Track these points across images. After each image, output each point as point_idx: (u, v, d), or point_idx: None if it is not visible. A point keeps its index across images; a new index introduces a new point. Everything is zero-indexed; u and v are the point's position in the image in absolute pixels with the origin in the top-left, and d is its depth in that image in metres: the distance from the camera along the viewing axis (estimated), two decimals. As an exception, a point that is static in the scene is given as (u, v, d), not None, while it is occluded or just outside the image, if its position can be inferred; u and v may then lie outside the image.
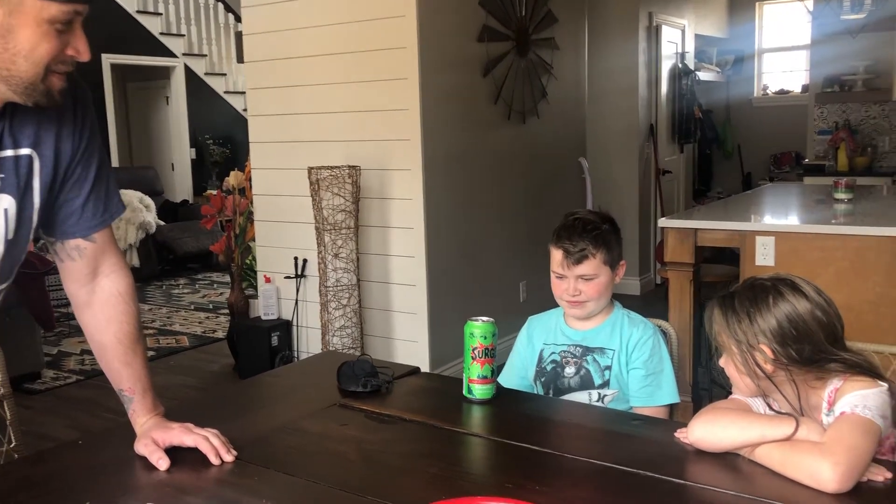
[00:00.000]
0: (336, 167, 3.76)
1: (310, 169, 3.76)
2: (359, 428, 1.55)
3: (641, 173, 6.11)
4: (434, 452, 1.44)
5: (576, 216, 1.94)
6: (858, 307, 2.87)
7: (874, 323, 2.86)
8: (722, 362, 1.46)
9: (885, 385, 1.35)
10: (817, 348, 1.37)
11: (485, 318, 1.68)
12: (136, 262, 7.21)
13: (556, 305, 2.01)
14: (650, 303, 5.44)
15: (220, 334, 5.23)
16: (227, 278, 5.37)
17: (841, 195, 3.86)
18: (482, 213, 4.28)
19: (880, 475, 1.25)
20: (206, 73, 9.02)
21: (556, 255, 1.91)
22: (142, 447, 1.39)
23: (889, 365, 1.74)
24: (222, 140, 9.12)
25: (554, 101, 4.85)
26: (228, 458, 1.38)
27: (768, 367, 1.39)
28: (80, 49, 1.17)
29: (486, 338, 1.66)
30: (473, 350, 1.66)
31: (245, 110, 4.53)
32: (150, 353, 4.88)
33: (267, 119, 4.33)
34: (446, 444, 1.47)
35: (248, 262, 4.85)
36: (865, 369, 1.37)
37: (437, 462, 1.38)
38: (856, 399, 1.30)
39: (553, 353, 1.95)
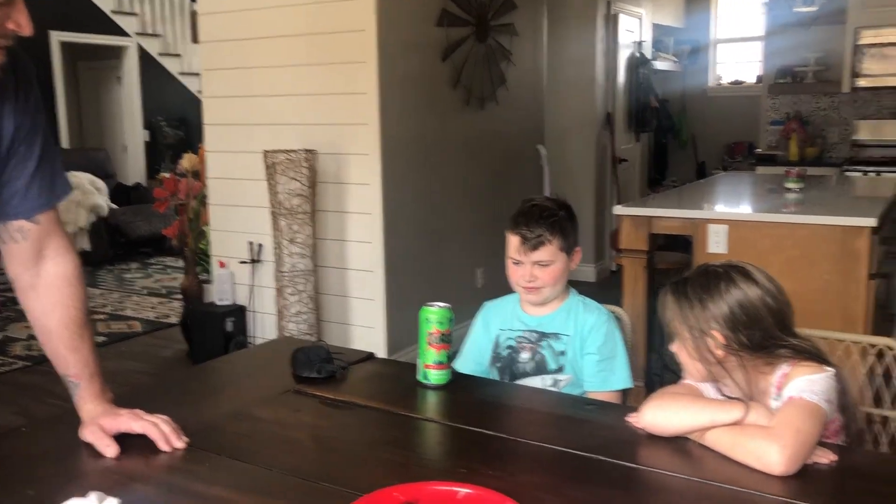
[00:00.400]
0: (292, 151, 3.71)
1: (265, 152, 3.71)
2: (313, 414, 1.54)
3: (598, 161, 6.15)
4: (389, 438, 1.43)
5: (533, 202, 1.95)
6: (807, 294, 2.93)
7: (822, 310, 2.93)
8: (674, 348, 1.48)
9: (832, 370, 1.38)
10: (767, 334, 1.40)
11: (440, 304, 1.68)
12: (86, 245, 7.06)
13: (512, 291, 2.01)
14: (605, 289, 5.49)
15: (174, 320, 5.15)
16: (181, 263, 5.28)
17: (792, 185, 3.93)
18: (440, 198, 4.27)
19: (825, 458, 1.28)
20: (160, 54, 8.82)
21: (513, 241, 1.92)
22: (88, 434, 1.35)
23: (835, 350, 1.78)
24: (177, 122, 8.95)
25: (513, 87, 4.85)
26: (179, 444, 1.36)
27: (719, 353, 1.41)
28: (21, 23, 1.12)
29: (441, 323, 1.66)
30: (429, 336, 1.66)
31: (200, 92, 4.44)
32: (101, 338, 4.78)
33: (222, 101, 4.25)
34: (401, 430, 1.47)
35: (202, 246, 4.77)
36: (813, 355, 1.40)
37: (392, 448, 1.38)
38: (803, 384, 1.33)
39: (509, 338, 1.96)
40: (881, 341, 1.80)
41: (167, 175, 5.01)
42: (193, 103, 8.33)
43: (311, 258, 3.80)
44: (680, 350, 1.47)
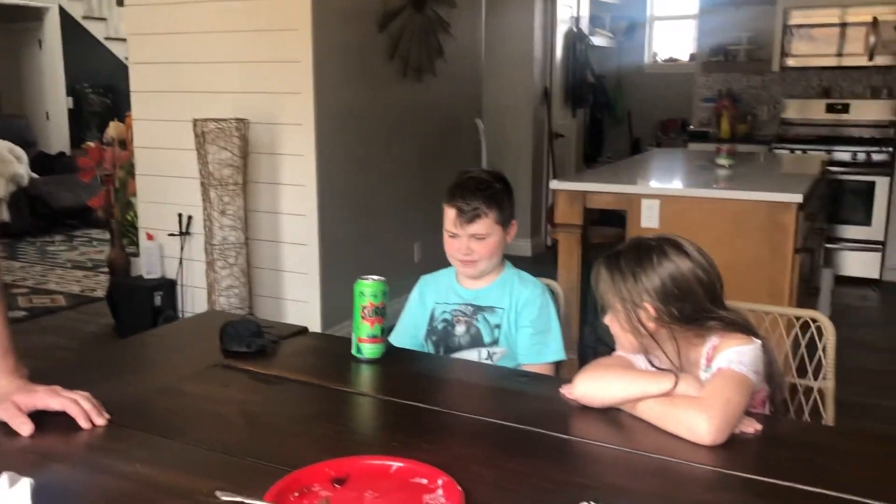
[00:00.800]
0: (223, 120, 3.61)
1: (195, 121, 3.60)
2: (242, 389, 1.51)
3: (535, 136, 6.18)
4: (320, 413, 1.41)
5: (469, 175, 1.94)
6: (736, 268, 3.00)
7: (750, 283, 3.00)
8: (607, 320, 1.49)
9: (759, 342, 1.41)
10: (698, 306, 1.42)
11: (375, 277, 1.66)
12: (5, 216, 6.77)
13: (449, 265, 2.00)
14: (541, 264, 5.55)
15: (100, 294, 4.99)
16: (107, 235, 5.11)
17: (722, 161, 4.01)
18: (377, 171, 4.23)
19: (751, 427, 1.30)
20: (84, 17, 8.46)
21: (450, 213, 1.90)
22: (1, 412, 1.29)
23: (762, 323, 1.82)
24: (103, 89, 8.62)
25: (451, 59, 4.81)
26: (100, 421, 1.31)
27: (651, 325, 1.42)
28: None
29: (375, 297, 1.64)
30: (363, 309, 1.63)
31: (127, 58, 4.27)
32: (22, 313, 4.61)
33: (150, 67, 4.11)
34: (333, 404, 1.44)
35: (128, 218, 4.63)
36: (742, 327, 1.43)
37: (324, 422, 1.36)
38: (732, 355, 1.35)
39: (444, 311, 1.96)
40: (806, 314, 1.85)
41: (92, 144, 4.83)
42: (121, 70, 8.02)
43: (243, 230, 3.72)
44: (612, 322, 1.48)
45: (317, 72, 3.68)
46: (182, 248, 4.13)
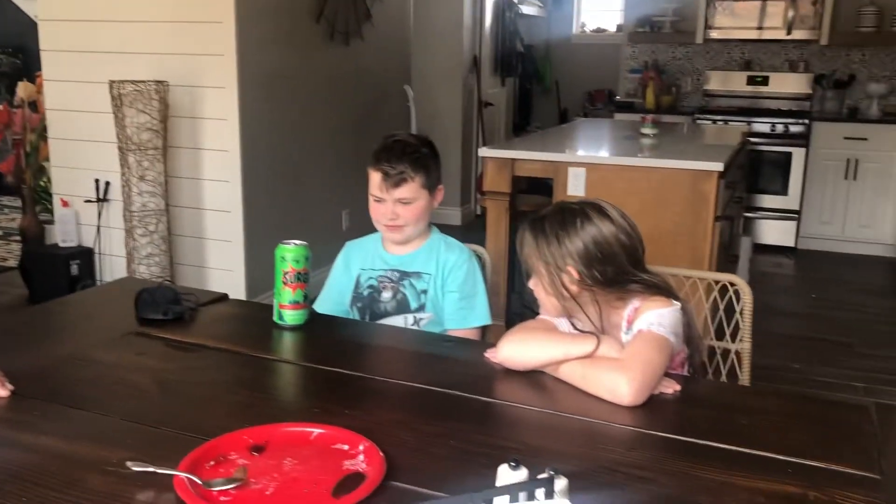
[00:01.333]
0: (141, 82, 3.47)
1: (111, 82, 3.44)
2: (157, 357, 1.45)
3: (465, 105, 6.15)
4: (239, 380, 1.37)
5: (395, 138, 1.91)
6: (659, 234, 3.05)
7: (672, 249, 3.07)
8: (531, 283, 1.50)
9: (679, 305, 1.43)
10: (620, 270, 1.43)
11: (297, 242, 1.62)
12: None
13: (373, 231, 1.98)
14: (471, 232, 5.55)
15: (12, 263, 4.77)
16: (19, 202, 4.88)
17: (647, 130, 4.07)
18: (304, 137, 4.14)
19: (670, 388, 1.32)
20: (-9, -28, 8.00)
21: (375, 177, 1.87)
22: None
23: (682, 286, 1.86)
24: (12, 49, 8.18)
25: (379, 25, 4.73)
26: (2, 392, 1.24)
27: (574, 288, 1.43)
28: None
29: (298, 262, 1.60)
30: (285, 275, 1.60)
31: (38, 16, 4.05)
32: (-73, 283, 4.37)
33: (62, 25, 3.90)
34: (252, 372, 1.41)
35: (41, 183, 4.42)
36: (662, 290, 1.44)
37: (242, 390, 1.32)
38: (652, 317, 1.37)
39: (370, 278, 1.93)
40: (724, 278, 1.89)
41: (0, 106, 4.58)
42: (31, 28, 7.63)
43: (163, 197, 3.59)
44: (536, 286, 1.48)
45: (240, 33, 3.56)
46: (99, 216, 3.97)
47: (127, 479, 1.02)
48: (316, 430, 1.14)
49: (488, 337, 1.97)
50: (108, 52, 3.79)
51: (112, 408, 1.23)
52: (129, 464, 1.04)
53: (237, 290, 3.71)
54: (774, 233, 5.55)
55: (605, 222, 1.43)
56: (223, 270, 3.79)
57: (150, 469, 1.03)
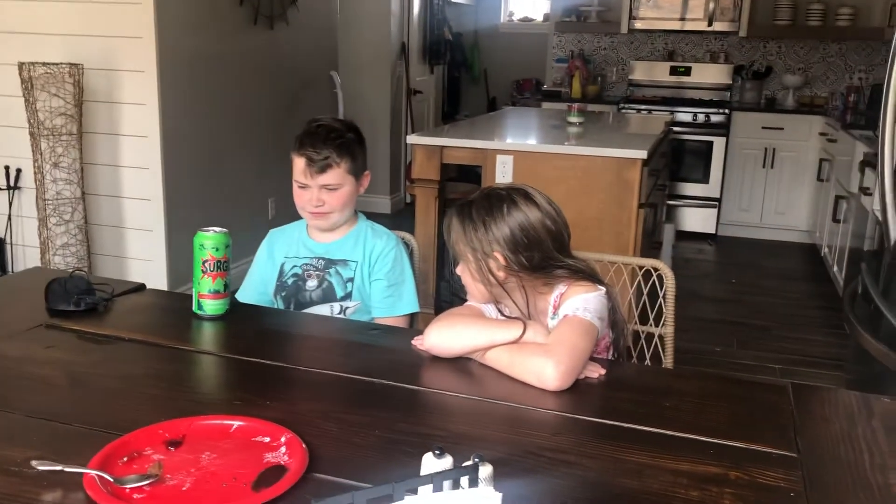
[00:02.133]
0: (54, 64, 3.31)
1: (21, 64, 3.28)
2: (68, 350, 1.39)
3: (393, 92, 6.10)
4: (156, 372, 1.33)
5: (320, 123, 1.88)
6: (585, 221, 3.09)
7: (597, 236, 3.10)
8: (458, 270, 1.49)
9: (604, 290, 1.44)
10: (546, 255, 1.43)
11: (217, 229, 1.58)
12: None
13: (300, 218, 1.95)
14: (400, 220, 5.52)
15: (-84, 255, 4.52)
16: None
17: (573, 119, 4.11)
18: (228, 123, 4.04)
19: (595, 372, 1.33)
20: None
21: (299, 163, 1.84)
22: None
23: (608, 272, 1.87)
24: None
25: (304, 9, 4.64)
26: None
27: (501, 275, 1.42)
28: None
29: (217, 249, 1.56)
30: (204, 263, 1.55)
31: (-62, -8, 3.82)
32: None
33: (-35, 3, 3.70)
34: (170, 364, 1.36)
35: (-53, 171, 4.19)
36: (588, 275, 1.45)
37: (159, 382, 1.28)
38: (578, 302, 1.38)
39: (295, 266, 1.90)
40: (648, 263, 1.91)
41: None
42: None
43: (79, 185, 3.45)
44: (463, 272, 1.47)
45: (159, 14, 3.44)
46: (10, 204, 3.79)
47: (32, 480, 0.96)
48: (236, 423, 1.10)
49: (417, 325, 1.96)
50: (18, 32, 3.61)
51: (17, 404, 1.16)
52: (34, 463, 0.98)
53: (159, 280, 3.60)
54: (696, 220, 5.69)
55: (531, 208, 1.43)
56: (144, 261, 3.67)
57: (58, 468, 0.97)
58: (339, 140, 1.83)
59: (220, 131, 3.99)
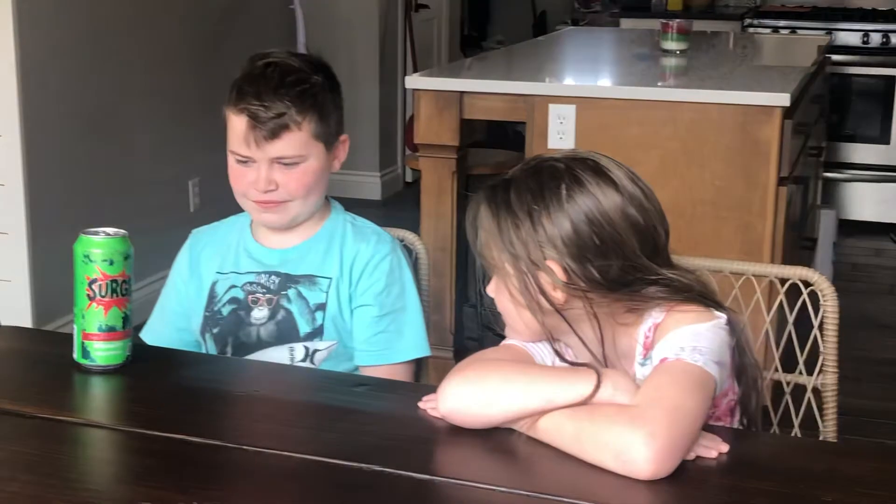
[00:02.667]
0: None
1: None
2: None
3: (383, 9, 6.13)
4: (18, 458, 1.35)
5: (268, 60, 1.90)
6: (690, 208, 3.09)
7: (711, 230, 3.10)
8: (491, 289, 1.49)
9: (724, 317, 1.43)
10: (630, 264, 1.43)
11: (110, 231, 1.60)
12: None
13: (238, 210, 1.97)
14: (397, 210, 5.54)
15: None
16: None
17: (671, 45, 4.10)
18: (122, 68, 4.11)
19: (713, 449, 1.33)
20: None
21: (237, 124, 1.86)
22: None
23: (730, 288, 1.87)
24: None
25: None
26: None
27: (558, 296, 1.43)
28: None
29: (111, 263, 1.58)
30: (91, 284, 1.57)
31: None
32: None
33: None
34: (41, 443, 1.39)
35: None
36: (697, 294, 1.45)
37: (23, 474, 1.30)
38: (683, 338, 1.38)
39: (233, 286, 1.93)
40: (795, 273, 1.91)
41: None
42: None
43: None
44: (499, 292, 1.47)
45: None
46: None
47: None
48: (144, 537, 1.12)
49: (426, 377, 1.97)
50: None
51: None
52: None
53: (19, 312, 3.65)
54: (871, 202, 5.65)
55: (605, 189, 1.43)
56: (-5, 281, 3.72)
57: None
58: (299, 87, 1.85)
59: (112, 83, 4.06)
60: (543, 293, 1.43)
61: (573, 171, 1.45)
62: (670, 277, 1.45)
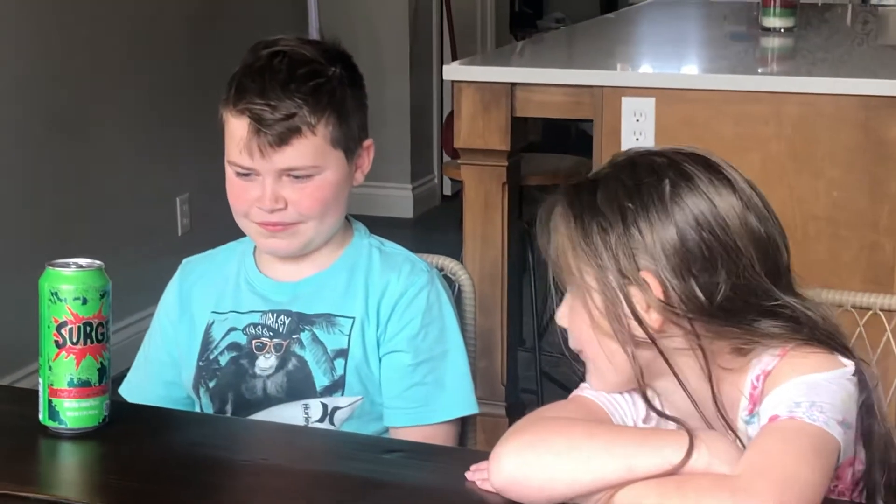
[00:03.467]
0: None
1: None
2: None
3: (413, -19, 6.17)
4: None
5: (275, 49, 1.92)
6: (801, 225, 3.07)
7: (828, 253, 3.09)
8: (562, 317, 1.48)
9: (851, 366, 1.42)
10: (744, 284, 1.41)
11: (82, 262, 1.61)
12: None
13: (239, 235, 1.99)
14: (435, 231, 5.56)
15: None
16: None
17: (774, 21, 4.08)
18: (94, 64, 4.17)
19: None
20: None
21: (237, 128, 1.87)
22: None
23: (853, 327, 1.85)
24: None
25: None
26: None
27: (652, 318, 1.41)
28: None
29: (86, 301, 1.59)
30: (60, 329, 1.59)
31: None
32: None
33: None
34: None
35: None
36: (822, 334, 1.43)
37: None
38: (799, 390, 1.36)
39: (233, 329, 1.94)
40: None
41: None
42: None
43: None
44: (577, 317, 1.46)
45: None
46: None
47: None
48: None
49: (472, 440, 1.97)
50: None
51: None
52: None
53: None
54: None
55: (721, 188, 1.42)
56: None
57: None
58: (313, 81, 1.86)
59: (79, 78, 4.11)
60: (635, 314, 1.42)
61: (679, 165, 1.44)
62: (793, 307, 1.44)
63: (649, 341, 1.42)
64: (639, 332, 1.41)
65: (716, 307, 1.40)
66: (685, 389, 1.44)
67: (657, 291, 1.40)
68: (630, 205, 1.41)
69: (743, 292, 1.41)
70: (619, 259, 1.40)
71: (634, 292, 1.40)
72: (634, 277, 1.40)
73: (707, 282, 1.39)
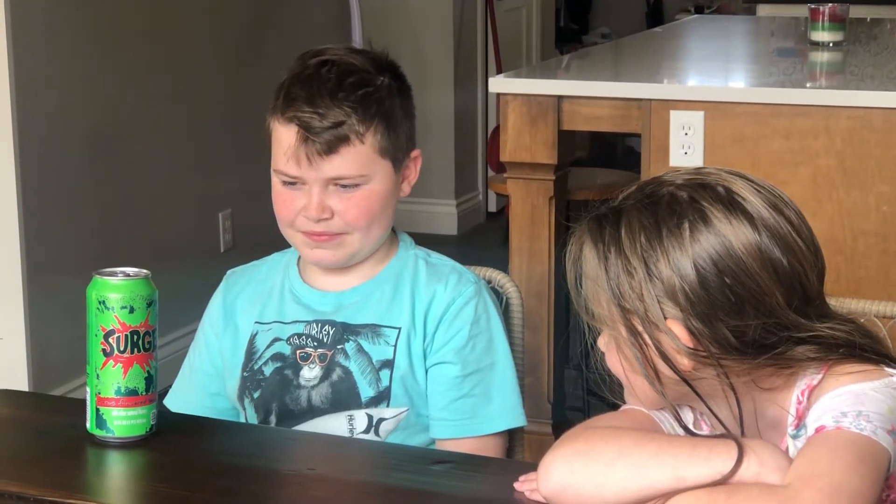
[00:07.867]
0: None
1: None
2: None
3: (459, -3, 6.18)
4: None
5: (323, 58, 1.93)
6: (851, 241, 3.05)
7: (878, 268, 3.05)
8: (603, 343, 1.48)
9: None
10: (774, 321, 1.41)
11: (129, 271, 1.62)
12: None
13: (284, 246, 1.99)
14: (480, 247, 5.54)
15: None
16: None
17: (823, 35, 4.07)
18: (134, 77, 4.19)
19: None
20: None
21: (285, 137, 1.88)
22: None
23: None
24: None
25: None
26: None
27: (684, 363, 1.41)
28: None
29: (133, 310, 1.60)
30: (108, 337, 1.59)
31: None
32: None
33: None
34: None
35: None
36: (860, 348, 1.43)
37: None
38: (844, 401, 1.36)
39: (277, 339, 1.94)
40: None
41: None
42: None
43: None
44: (610, 349, 1.47)
45: None
46: None
47: None
48: None
49: (520, 452, 1.97)
50: None
51: None
52: None
53: (15, 374, 3.70)
54: None
55: (738, 225, 1.40)
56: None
57: None
58: (362, 90, 1.87)
59: (120, 92, 4.13)
60: (665, 358, 1.42)
61: (698, 203, 1.43)
62: (826, 331, 1.43)
63: (683, 382, 1.42)
64: (669, 373, 1.41)
65: (747, 347, 1.39)
66: (719, 420, 1.43)
67: (685, 339, 1.40)
68: (651, 251, 1.41)
69: (773, 329, 1.39)
70: (646, 307, 1.39)
71: (663, 338, 1.41)
72: (661, 325, 1.40)
73: (735, 325, 1.39)
